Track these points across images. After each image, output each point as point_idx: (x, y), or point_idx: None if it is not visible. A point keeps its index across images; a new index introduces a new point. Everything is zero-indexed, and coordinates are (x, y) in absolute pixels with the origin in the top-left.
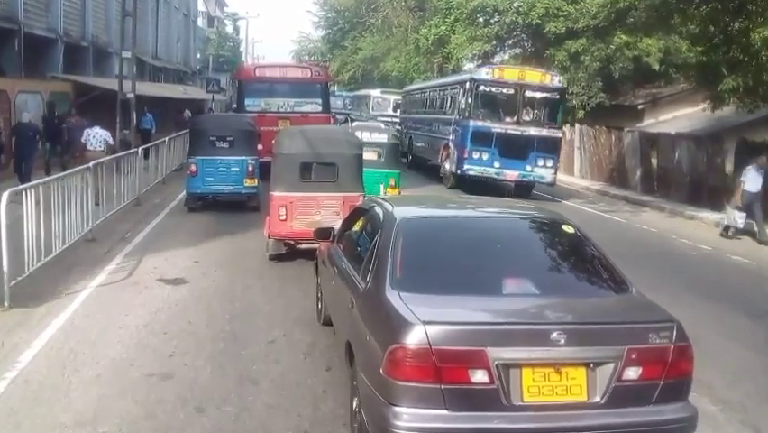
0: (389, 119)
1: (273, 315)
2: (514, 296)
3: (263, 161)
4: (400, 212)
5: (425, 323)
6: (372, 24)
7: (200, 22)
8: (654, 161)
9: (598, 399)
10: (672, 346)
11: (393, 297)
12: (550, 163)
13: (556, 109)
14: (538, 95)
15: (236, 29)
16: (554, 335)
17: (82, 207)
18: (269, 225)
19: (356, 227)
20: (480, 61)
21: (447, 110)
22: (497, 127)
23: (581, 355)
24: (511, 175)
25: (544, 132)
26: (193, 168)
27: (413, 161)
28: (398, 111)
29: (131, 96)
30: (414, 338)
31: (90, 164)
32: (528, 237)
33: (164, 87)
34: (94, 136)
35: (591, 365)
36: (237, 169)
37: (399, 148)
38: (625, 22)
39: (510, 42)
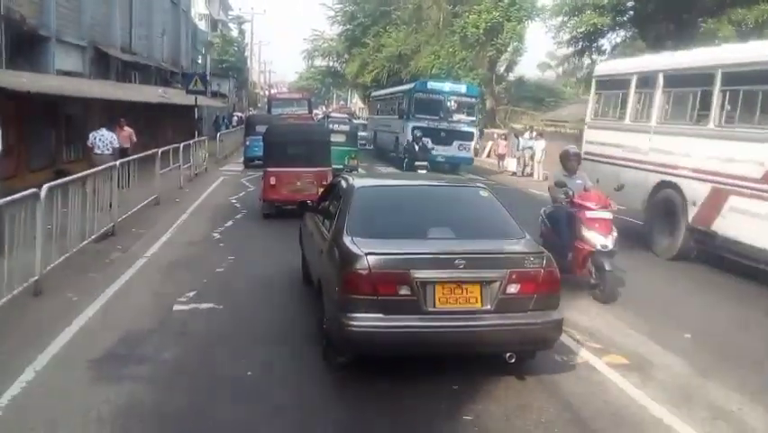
0: None
1: None
2: (435, 239)
3: None
4: (359, 183)
5: (367, 254)
6: (399, 17)
7: (203, 25)
8: None
9: (489, 307)
10: (542, 270)
11: (348, 240)
12: None
13: None
14: None
15: (242, 32)
16: (457, 261)
17: None
18: (264, 192)
19: (329, 197)
20: (580, 45)
21: None
22: None
23: (476, 276)
24: None
25: None
26: (248, 143)
27: None
28: None
29: None
30: (359, 265)
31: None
32: (454, 199)
33: (123, 88)
34: (100, 139)
35: (484, 283)
36: None
37: (357, 133)
38: None
39: (628, 16)
